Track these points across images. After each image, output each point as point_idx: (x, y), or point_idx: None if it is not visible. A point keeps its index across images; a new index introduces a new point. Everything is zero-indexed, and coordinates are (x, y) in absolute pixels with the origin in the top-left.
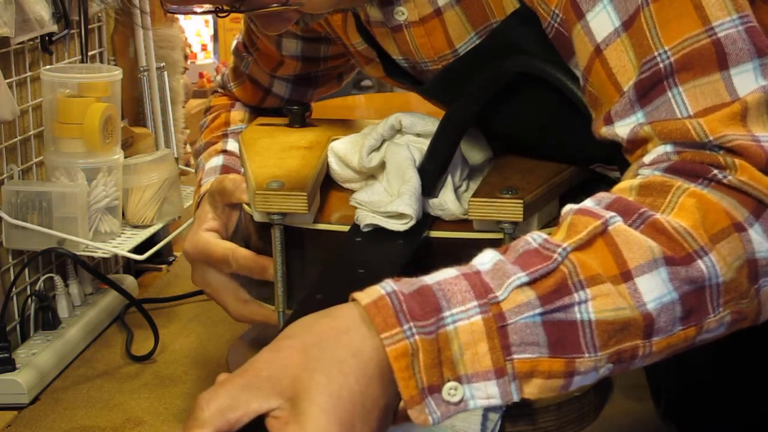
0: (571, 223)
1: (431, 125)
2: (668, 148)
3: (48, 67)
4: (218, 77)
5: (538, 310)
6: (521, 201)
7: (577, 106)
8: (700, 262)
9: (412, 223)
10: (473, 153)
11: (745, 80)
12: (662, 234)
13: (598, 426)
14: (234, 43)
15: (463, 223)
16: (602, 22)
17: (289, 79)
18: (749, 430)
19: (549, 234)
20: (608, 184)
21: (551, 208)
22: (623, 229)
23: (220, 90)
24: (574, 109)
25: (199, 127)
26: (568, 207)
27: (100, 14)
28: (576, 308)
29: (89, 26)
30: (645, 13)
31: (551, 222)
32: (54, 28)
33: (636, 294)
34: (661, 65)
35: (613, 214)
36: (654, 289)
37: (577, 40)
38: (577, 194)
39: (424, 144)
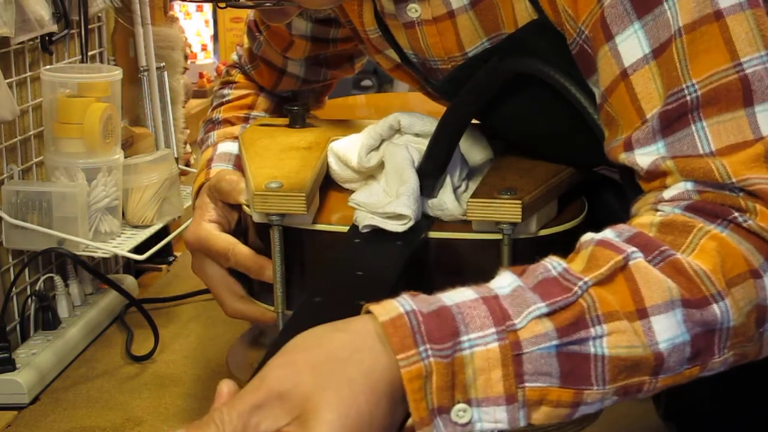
0: (591, 255)
1: (430, 125)
2: (689, 185)
3: (48, 67)
4: (233, 55)
5: (555, 342)
6: (520, 202)
7: (578, 109)
8: (715, 306)
9: (411, 223)
10: (474, 153)
11: None
12: (681, 274)
13: (598, 426)
14: (246, 21)
15: (462, 224)
16: (632, 46)
17: (301, 60)
18: (749, 430)
19: (568, 262)
20: (609, 185)
21: (550, 208)
22: (643, 266)
23: (239, 68)
24: (577, 112)
25: (212, 98)
26: (589, 236)
27: (100, 14)
28: (591, 342)
29: (89, 26)
30: (677, 43)
31: (550, 223)
32: (54, 28)
33: (650, 333)
34: (688, 98)
35: (634, 249)
36: (668, 330)
37: (603, 61)
38: (577, 195)
39: (423, 144)
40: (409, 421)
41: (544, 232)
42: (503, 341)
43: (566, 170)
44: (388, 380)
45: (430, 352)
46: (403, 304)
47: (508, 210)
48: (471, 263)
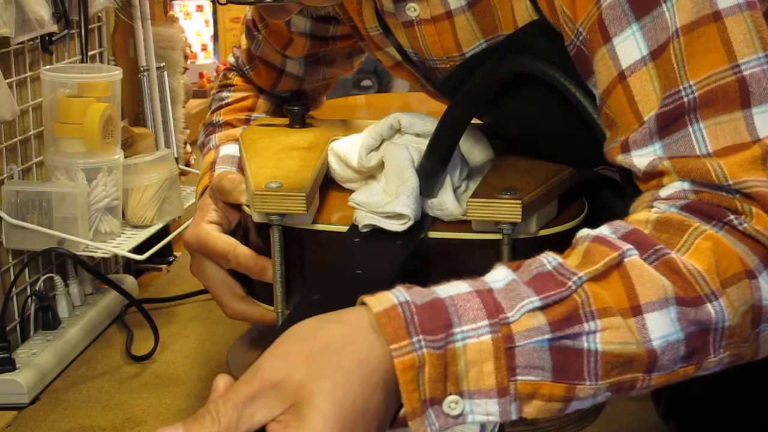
0: (587, 251)
1: (430, 125)
2: (686, 185)
3: (48, 67)
4: (230, 58)
5: (547, 336)
6: (520, 202)
7: (578, 109)
8: (709, 305)
9: (410, 223)
10: (474, 153)
11: (767, 120)
12: (676, 273)
13: (598, 424)
14: (244, 21)
15: (462, 224)
16: (629, 48)
17: (300, 59)
18: (749, 428)
19: (563, 258)
20: (609, 185)
21: (550, 208)
22: (639, 264)
23: (236, 71)
24: (577, 111)
25: (211, 101)
26: (585, 232)
27: (100, 14)
28: (584, 338)
29: (89, 26)
30: (675, 44)
31: (550, 223)
32: (54, 28)
33: (643, 330)
34: (685, 99)
35: (629, 246)
36: (661, 327)
37: (600, 63)
38: (577, 195)
39: (423, 144)
40: (402, 412)
41: (544, 232)
42: (496, 334)
43: (566, 170)
44: (383, 371)
45: (423, 343)
46: (397, 295)
47: (508, 210)
48: (471, 263)
